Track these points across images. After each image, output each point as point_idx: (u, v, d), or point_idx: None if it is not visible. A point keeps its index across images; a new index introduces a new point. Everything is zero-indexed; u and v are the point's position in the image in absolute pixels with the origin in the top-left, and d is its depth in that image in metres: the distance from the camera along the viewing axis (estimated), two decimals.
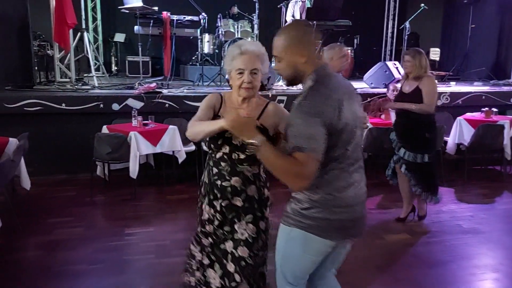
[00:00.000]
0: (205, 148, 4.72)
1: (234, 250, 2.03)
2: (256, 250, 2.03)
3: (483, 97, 6.26)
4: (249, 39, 7.71)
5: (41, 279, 2.88)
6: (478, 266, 3.18)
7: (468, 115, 5.64)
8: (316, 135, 1.51)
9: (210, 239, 2.09)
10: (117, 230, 3.71)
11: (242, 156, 1.96)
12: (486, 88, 6.68)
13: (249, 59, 1.88)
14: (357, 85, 6.27)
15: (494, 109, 5.63)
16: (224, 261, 2.05)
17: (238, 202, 2.01)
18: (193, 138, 1.93)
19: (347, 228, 1.69)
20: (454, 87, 6.94)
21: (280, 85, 6.42)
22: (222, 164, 1.99)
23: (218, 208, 2.03)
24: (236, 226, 2.02)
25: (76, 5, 6.27)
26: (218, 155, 1.99)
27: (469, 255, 3.37)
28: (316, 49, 1.68)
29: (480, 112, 5.65)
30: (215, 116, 1.98)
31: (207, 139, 1.98)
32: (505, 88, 6.72)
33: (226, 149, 1.97)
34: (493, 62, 8.85)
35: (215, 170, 2.01)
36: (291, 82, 1.74)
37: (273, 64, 1.88)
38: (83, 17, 7.23)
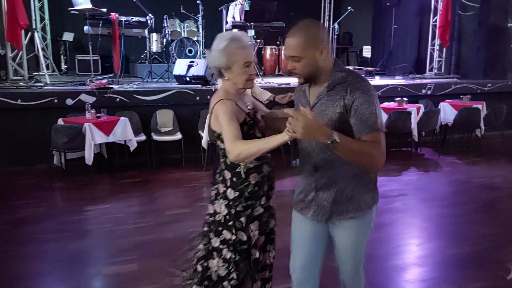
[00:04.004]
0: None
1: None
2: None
3: (399, 88, 7.27)
4: (195, 38, 8.34)
5: (14, 247, 3.35)
6: (378, 220, 4.02)
7: (385, 104, 6.59)
8: (379, 112, 1.64)
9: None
10: (77, 208, 4.21)
11: None
12: (403, 81, 7.72)
13: (251, 51, 1.89)
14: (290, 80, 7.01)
15: (405, 99, 6.63)
16: None
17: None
18: (246, 160, 1.76)
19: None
20: (377, 80, 7.94)
21: None
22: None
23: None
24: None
25: (26, 6, 6.54)
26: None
27: None
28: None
29: (394, 102, 6.63)
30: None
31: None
32: (418, 81, 7.80)
33: None
34: (415, 58, 10.05)
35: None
36: (308, 79, 1.75)
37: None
38: (33, 17, 7.47)
